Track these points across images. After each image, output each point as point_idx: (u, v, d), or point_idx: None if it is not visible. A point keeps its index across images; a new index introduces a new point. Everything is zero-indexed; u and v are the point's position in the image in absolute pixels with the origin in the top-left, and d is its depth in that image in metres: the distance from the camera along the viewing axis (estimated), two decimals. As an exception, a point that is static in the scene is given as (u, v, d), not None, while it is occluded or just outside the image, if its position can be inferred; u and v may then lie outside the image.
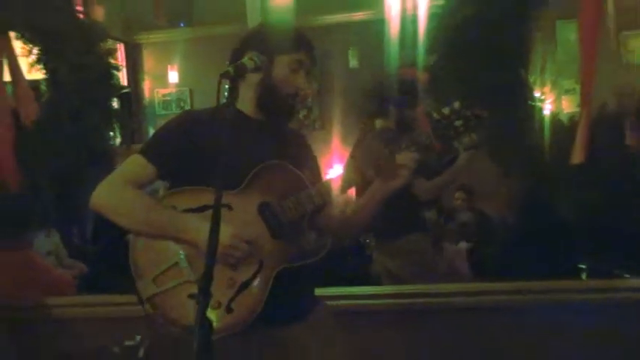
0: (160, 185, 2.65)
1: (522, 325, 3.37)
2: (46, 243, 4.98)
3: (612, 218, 3.53)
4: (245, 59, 2.28)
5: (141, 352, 3.48)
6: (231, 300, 2.26)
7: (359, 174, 2.41)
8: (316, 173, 2.59)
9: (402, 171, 2.35)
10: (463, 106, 2.30)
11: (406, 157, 2.35)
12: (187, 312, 2.10)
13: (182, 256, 2.30)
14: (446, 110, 2.31)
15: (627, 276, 3.63)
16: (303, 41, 2.47)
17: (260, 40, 2.45)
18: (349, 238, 2.58)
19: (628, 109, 3.34)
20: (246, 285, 2.29)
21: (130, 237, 2.36)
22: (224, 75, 2.11)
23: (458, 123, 2.30)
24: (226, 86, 2.13)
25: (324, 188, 2.39)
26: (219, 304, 2.23)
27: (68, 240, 5.38)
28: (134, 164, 2.39)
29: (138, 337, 3.50)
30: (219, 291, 2.20)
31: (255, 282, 2.29)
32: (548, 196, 3.67)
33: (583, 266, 3.92)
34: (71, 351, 3.58)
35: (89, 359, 3.52)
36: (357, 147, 4.02)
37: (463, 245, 5.73)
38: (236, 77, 2.17)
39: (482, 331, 3.41)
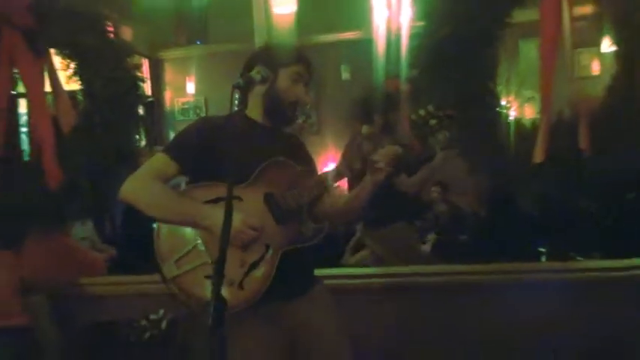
0: (181, 180, 2.66)
1: (490, 300, 3.40)
2: (81, 231, 5.01)
3: (567, 209, 3.53)
4: (253, 72, 2.31)
5: (163, 324, 3.49)
6: (243, 278, 2.28)
7: (348, 169, 2.43)
8: (313, 168, 2.61)
9: (378, 166, 2.37)
10: (436, 108, 2.33)
11: (381, 154, 2.38)
12: (204, 290, 2.09)
13: (200, 241, 2.32)
14: (422, 112, 2.35)
15: (580, 258, 3.65)
16: (301, 57, 2.50)
17: (265, 56, 2.48)
18: (343, 223, 2.61)
19: (581, 116, 3.35)
20: (255, 265, 2.31)
21: (154, 227, 2.37)
22: (235, 86, 2.14)
23: (432, 122, 2.34)
24: (237, 96, 2.15)
25: (321, 181, 2.42)
26: (233, 282, 2.25)
27: (100, 228, 5.40)
28: (159, 161, 2.40)
29: (161, 311, 3.52)
30: (232, 271, 2.23)
31: (263, 262, 2.32)
32: (513, 191, 3.68)
33: (543, 250, 3.93)
34: (103, 322, 3.60)
35: (118, 330, 3.52)
36: (348, 148, 4.03)
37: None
38: (245, 88, 2.20)
39: (457, 306, 3.44)
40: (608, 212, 3.76)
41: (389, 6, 5.55)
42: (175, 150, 2.41)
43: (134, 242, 4.66)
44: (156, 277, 2.39)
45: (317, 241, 2.41)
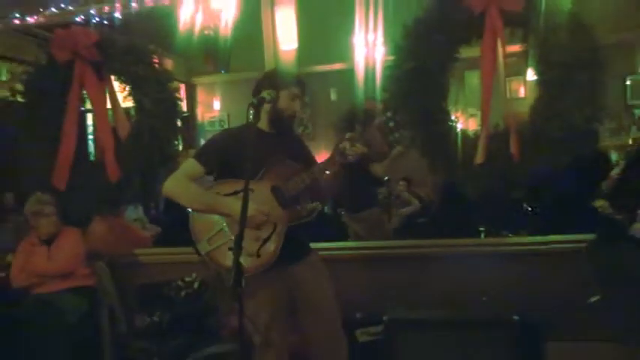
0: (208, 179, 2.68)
1: (442, 267, 3.40)
2: (134, 213, 4.98)
3: (500, 198, 3.52)
4: (264, 94, 2.31)
5: (196, 285, 3.48)
6: (259, 249, 2.32)
7: (333, 163, 2.42)
8: (311, 160, 2.59)
9: (348, 153, 2.37)
10: (393, 115, 2.36)
11: (351, 150, 2.37)
12: (229, 260, 2.10)
13: (225, 224, 2.34)
14: (384, 118, 2.37)
15: (510, 235, 3.64)
16: (297, 80, 2.51)
17: (270, 81, 2.48)
18: (327, 201, 2.68)
19: (512, 129, 3.34)
20: (267, 239, 2.33)
21: (189, 214, 2.42)
22: (251, 104, 2.15)
23: (391, 124, 2.36)
24: (251, 111, 2.15)
25: (313, 172, 2.41)
26: (251, 254, 2.29)
27: (148, 211, 5.37)
28: (190, 165, 2.44)
29: (193, 275, 3.51)
30: (250, 245, 2.28)
31: (273, 237, 2.34)
32: (460, 184, 3.67)
33: (482, 229, 3.91)
34: (150, 283, 3.58)
35: (161, 288, 3.50)
36: (335, 149, 4.01)
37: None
38: (258, 105, 2.20)
39: (418, 272, 3.43)
40: (532, 200, 3.76)
41: (367, 45, 5.53)
42: (202, 156, 2.46)
43: (173, 223, 4.66)
44: (188, 249, 2.41)
45: (312, 218, 2.43)
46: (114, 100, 4.09)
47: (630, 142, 6.69)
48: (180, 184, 2.40)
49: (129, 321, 3.67)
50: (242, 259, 1.89)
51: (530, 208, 3.83)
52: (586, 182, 3.39)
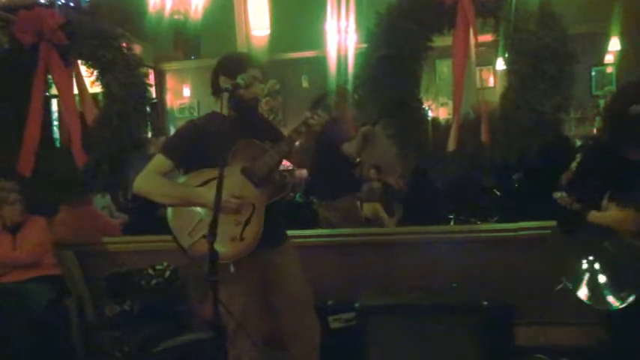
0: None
1: (413, 252, 3.43)
2: (101, 201, 4.90)
3: (470, 186, 3.58)
4: (238, 79, 2.28)
5: (167, 274, 3.44)
6: (242, 232, 2.31)
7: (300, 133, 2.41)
8: (280, 136, 2.57)
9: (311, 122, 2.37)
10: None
11: (316, 119, 2.37)
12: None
13: (203, 215, 2.33)
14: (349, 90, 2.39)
15: (478, 222, 3.70)
16: (253, 62, 2.46)
17: (227, 64, 2.44)
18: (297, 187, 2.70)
19: (482, 117, 3.38)
20: (248, 221, 2.33)
21: (168, 210, 2.41)
22: (225, 90, 2.15)
23: (355, 96, 2.37)
24: (225, 98, 2.13)
25: (281, 147, 2.41)
26: (235, 238, 2.29)
27: (116, 199, 5.29)
28: (158, 160, 2.43)
29: (165, 263, 3.47)
30: (232, 229, 2.29)
31: (253, 217, 2.34)
32: (430, 172, 3.71)
33: (451, 216, 3.97)
34: (119, 271, 3.53)
35: (131, 276, 3.45)
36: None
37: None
38: (233, 92, 2.18)
39: (389, 258, 3.46)
40: (501, 187, 3.83)
41: (339, 32, 5.52)
42: (169, 150, 2.44)
43: (141, 211, 4.60)
44: (158, 237, 2.40)
45: (288, 192, 2.43)
46: (81, 85, 3.99)
47: (595, 132, 6.86)
48: (151, 180, 2.39)
49: (98, 310, 3.61)
50: (227, 245, 1.88)
51: (499, 195, 3.90)
52: (553, 170, 3.47)
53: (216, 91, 2.44)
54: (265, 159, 2.37)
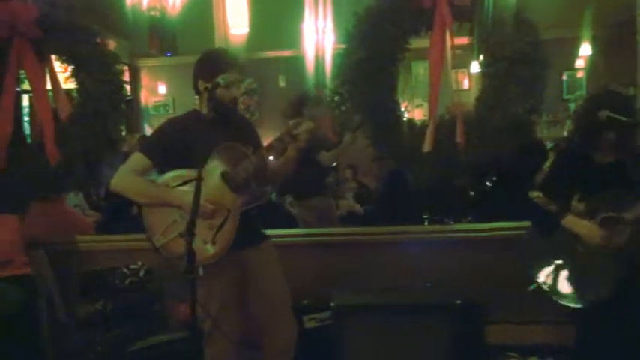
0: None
1: (387, 252, 3.45)
2: (74, 199, 4.81)
3: (443, 188, 3.61)
4: (219, 79, 2.27)
5: (141, 272, 3.41)
6: (214, 237, 2.30)
7: (280, 144, 2.44)
8: (259, 144, 2.57)
9: (299, 137, 2.37)
10: (336, 87, 2.37)
11: (300, 130, 2.37)
12: (183, 248, 2.05)
13: (178, 215, 2.32)
14: (328, 91, 2.39)
15: (451, 222, 3.73)
16: (232, 63, 2.43)
17: (208, 62, 2.43)
18: (278, 183, 2.68)
19: (458, 119, 3.43)
20: (221, 226, 2.31)
21: (142, 209, 2.40)
22: (205, 89, 2.14)
23: (336, 98, 2.38)
24: (205, 97, 2.12)
25: (262, 155, 2.41)
26: (206, 241, 2.28)
27: (89, 198, 5.20)
28: (137, 159, 2.42)
29: (139, 262, 3.43)
30: (205, 233, 2.28)
31: (227, 223, 2.33)
32: (406, 173, 3.74)
33: (425, 217, 3.99)
34: (93, 270, 3.48)
35: (104, 276, 3.41)
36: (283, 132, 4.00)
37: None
38: (212, 91, 2.18)
39: (364, 257, 3.47)
40: (476, 189, 3.88)
41: (317, 32, 5.52)
42: (148, 149, 2.43)
43: (114, 210, 4.54)
44: (133, 236, 2.39)
45: (265, 201, 2.42)
46: (54, 81, 3.91)
47: (565, 134, 7.01)
48: (129, 179, 2.37)
49: (71, 310, 3.55)
50: (198, 248, 1.87)
51: (473, 195, 3.94)
52: (526, 171, 3.53)
53: (197, 89, 2.42)
54: (246, 165, 2.35)
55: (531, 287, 2.55)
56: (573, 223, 2.46)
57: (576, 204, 2.48)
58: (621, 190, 2.43)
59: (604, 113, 2.40)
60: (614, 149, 2.49)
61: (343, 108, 2.40)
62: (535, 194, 2.54)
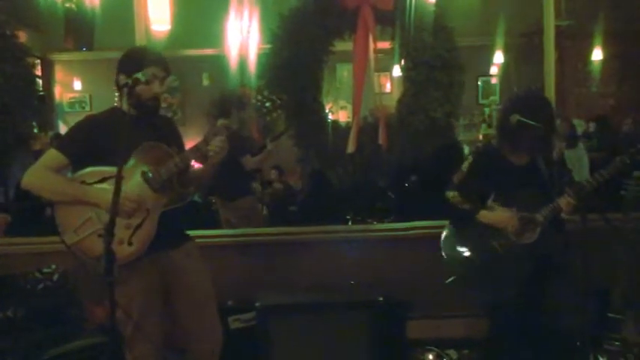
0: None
1: (312, 251, 3.49)
2: (-20, 200, 4.52)
3: (366, 188, 3.69)
4: (139, 75, 2.20)
5: (55, 276, 3.24)
6: (130, 237, 2.23)
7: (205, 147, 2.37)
8: (181, 145, 2.53)
9: (210, 155, 2.34)
10: (269, 94, 2.36)
11: (212, 146, 2.33)
12: (100, 248, 1.95)
13: (93, 213, 2.24)
14: (259, 97, 2.37)
15: (374, 222, 3.83)
16: (153, 60, 2.36)
17: (128, 59, 2.36)
18: (201, 185, 2.60)
19: (380, 121, 3.52)
20: (139, 226, 2.25)
21: (55, 205, 2.29)
22: (125, 86, 2.07)
23: (268, 104, 2.37)
24: (124, 94, 2.05)
25: (186, 156, 2.36)
26: (122, 241, 2.19)
27: (-4, 198, 4.90)
28: (51, 156, 2.31)
29: (53, 266, 3.27)
30: (121, 232, 2.19)
31: (145, 223, 2.26)
32: (329, 174, 3.79)
33: (348, 217, 4.07)
34: (2, 275, 3.28)
35: (15, 281, 3.22)
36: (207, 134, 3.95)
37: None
38: (132, 87, 2.11)
39: (288, 257, 3.49)
40: (397, 189, 3.99)
41: (241, 31, 5.48)
42: (65, 146, 2.33)
43: (24, 211, 4.31)
44: (46, 239, 2.28)
45: (186, 202, 2.38)
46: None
47: (480, 137, 7.36)
48: (42, 175, 2.26)
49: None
50: (113, 248, 1.80)
51: (395, 196, 4.06)
52: (444, 172, 3.68)
53: (118, 85, 2.33)
54: (169, 165, 2.29)
55: (449, 280, 2.65)
56: (486, 215, 2.58)
57: (491, 203, 2.60)
58: (534, 191, 2.56)
59: (514, 117, 2.51)
60: (527, 152, 2.63)
61: (274, 115, 2.38)
62: (451, 194, 2.64)
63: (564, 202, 2.46)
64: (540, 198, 2.54)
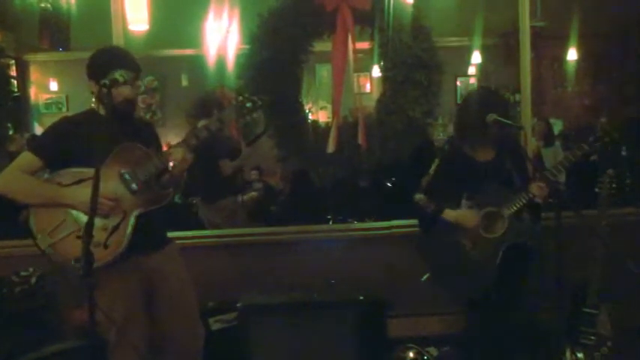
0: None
1: (293, 251, 3.50)
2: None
3: (347, 188, 3.71)
4: (116, 75, 2.18)
5: (33, 280, 3.20)
6: (106, 239, 2.20)
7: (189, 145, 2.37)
8: (159, 147, 2.52)
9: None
10: (250, 94, 2.36)
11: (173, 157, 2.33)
12: (76, 250, 1.92)
13: (69, 215, 2.22)
14: (240, 97, 2.37)
15: (355, 222, 3.85)
16: (121, 62, 2.31)
17: (97, 62, 2.33)
18: (180, 186, 2.58)
19: (359, 121, 3.54)
20: (115, 228, 2.22)
21: (29, 207, 2.24)
22: (103, 86, 2.05)
23: (248, 104, 2.37)
24: (103, 94, 2.04)
25: (164, 157, 2.35)
26: (99, 244, 2.16)
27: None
28: (26, 158, 2.28)
29: (30, 269, 3.22)
30: (98, 234, 2.13)
31: (122, 225, 2.24)
32: (310, 173, 3.80)
33: (329, 216, 4.09)
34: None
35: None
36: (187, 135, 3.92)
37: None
38: (110, 88, 2.10)
39: (269, 256, 3.50)
40: (377, 189, 4.02)
41: (220, 31, 5.46)
42: (40, 148, 2.30)
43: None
44: (23, 241, 2.24)
45: (165, 204, 2.36)
46: None
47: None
48: (15, 178, 2.23)
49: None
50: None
51: (375, 196, 4.09)
52: (419, 172, 3.72)
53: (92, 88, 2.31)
54: (148, 166, 2.28)
55: (424, 278, 2.69)
56: (450, 214, 2.62)
57: (465, 201, 2.65)
58: (500, 186, 2.61)
59: (491, 117, 2.54)
60: (494, 148, 2.67)
61: (255, 115, 2.36)
62: (417, 197, 2.67)
63: (535, 187, 2.53)
64: (506, 191, 2.59)
